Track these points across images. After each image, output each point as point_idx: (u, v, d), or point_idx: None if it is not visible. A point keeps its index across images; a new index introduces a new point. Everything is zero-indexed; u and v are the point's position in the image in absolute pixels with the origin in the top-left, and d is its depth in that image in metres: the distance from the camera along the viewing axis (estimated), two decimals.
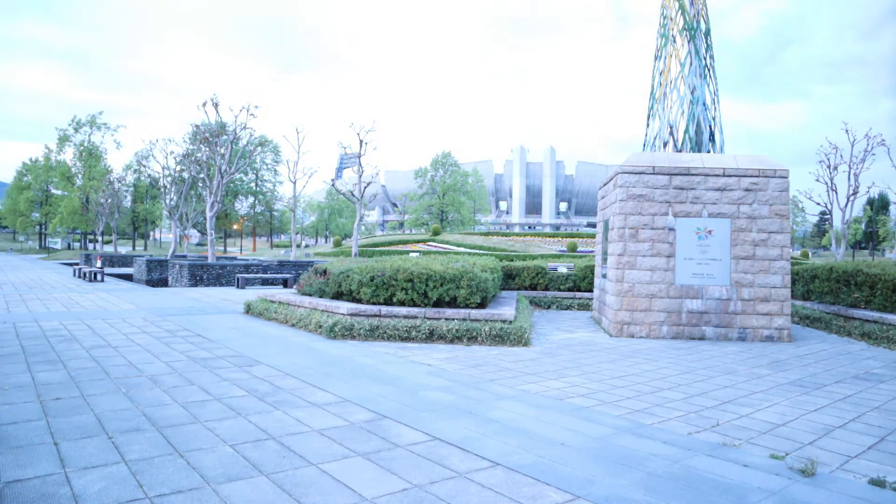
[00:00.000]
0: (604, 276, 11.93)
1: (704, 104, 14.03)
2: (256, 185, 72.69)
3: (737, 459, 4.14)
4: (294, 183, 36.17)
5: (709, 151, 13.91)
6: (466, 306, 9.77)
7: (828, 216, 34.68)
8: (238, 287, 19.87)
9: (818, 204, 32.91)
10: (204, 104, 28.30)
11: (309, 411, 5.11)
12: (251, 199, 73.59)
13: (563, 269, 15.50)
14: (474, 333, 9.02)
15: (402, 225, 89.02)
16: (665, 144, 14.07)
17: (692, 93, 13.97)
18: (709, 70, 14.28)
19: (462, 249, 42.88)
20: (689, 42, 14.13)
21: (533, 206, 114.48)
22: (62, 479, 3.48)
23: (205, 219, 36.25)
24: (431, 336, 9.10)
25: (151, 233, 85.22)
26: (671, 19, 14.43)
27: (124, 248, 69.31)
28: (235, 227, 73.71)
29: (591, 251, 41.18)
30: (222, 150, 28.18)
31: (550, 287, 15.37)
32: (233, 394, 5.64)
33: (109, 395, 5.46)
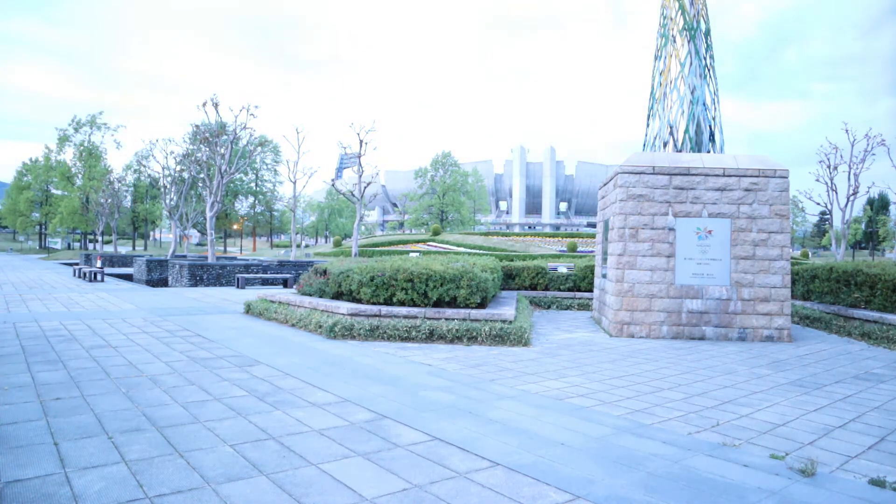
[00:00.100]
0: (604, 276, 11.93)
1: (704, 104, 14.03)
2: (256, 185, 72.69)
3: (737, 459, 4.14)
4: (294, 183, 36.18)
5: (709, 151, 13.91)
6: (466, 306, 9.77)
7: (828, 216, 34.68)
8: (238, 287, 19.87)
9: (818, 204, 32.91)
10: (204, 104, 28.32)
11: (309, 411, 5.11)
12: (251, 199, 73.60)
13: (563, 269, 15.50)
14: (474, 333, 9.02)
15: (402, 225, 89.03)
16: (665, 144, 14.07)
17: (692, 93, 13.97)
18: (709, 70, 14.28)
19: (462, 249, 42.88)
20: (689, 42, 14.13)
21: (533, 206, 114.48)
22: (62, 479, 3.48)
23: (205, 219, 36.27)
24: (431, 336, 9.10)
25: (151, 233, 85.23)
26: (671, 19, 14.43)
27: (124, 248, 69.31)
28: (235, 227, 73.72)
29: (591, 251, 41.18)
30: (222, 150, 28.18)
31: (550, 287, 15.37)
32: (233, 394, 5.64)
33: (109, 395, 5.46)
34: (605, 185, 12.54)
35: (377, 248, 45.97)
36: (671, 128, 14.08)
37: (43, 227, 75.00)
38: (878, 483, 3.73)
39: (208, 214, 27.77)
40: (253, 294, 15.25)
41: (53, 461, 3.74)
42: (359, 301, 10.30)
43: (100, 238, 50.46)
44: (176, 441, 4.20)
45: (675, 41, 14.30)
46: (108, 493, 3.31)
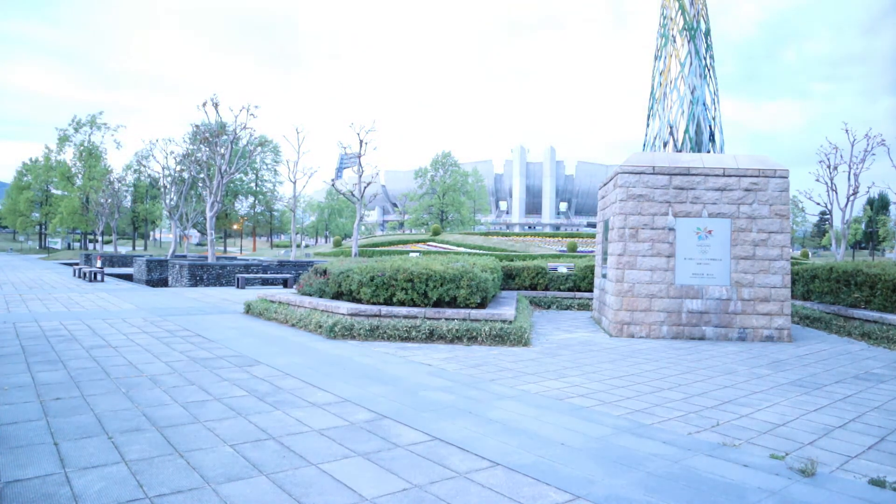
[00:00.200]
0: (604, 276, 11.94)
1: (704, 104, 14.03)
2: (256, 185, 72.69)
3: (737, 459, 4.14)
4: (294, 183, 36.18)
5: (709, 151, 13.91)
6: (466, 306, 9.77)
7: (828, 216, 34.68)
8: (238, 287, 19.87)
9: (818, 204, 32.92)
10: (204, 104, 28.32)
11: (309, 411, 5.11)
12: (251, 199, 73.60)
13: (563, 269, 15.50)
14: (474, 333, 9.02)
15: (402, 225, 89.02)
16: (665, 144, 14.07)
17: (692, 93, 13.97)
18: (709, 70, 14.28)
19: (462, 249, 42.88)
20: (689, 42, 14.13)
21: (533, 206, 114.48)
22: (62, 479, 3.48)
23: (205, 219, 36.27)
24: (431, 336, 9.10)
25: (151, 233, 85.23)
26: (671, 19, 14.43)
27: (124, 248, 69.32)
28: (235, 227, 73.72)
29: (591, 251, 41.18)
30: (222, 150, 28.18)
31: (550, 287, 15.37)
32: (233, 394, 5.64)
33: (109, 395, 5.46)
34: (605, 185, 12.54)
35: (377, 248, 45.97)
36: (671, 128, 14.08)
37: (43, 227, 75.00)
38: (878, 483, 3.73)
39: (208, 214, 27.77)
40: (253, 294, 15.25)
41: (53, 461, 3.74)
42: (359, 301, 10.30)
43: (100, 238, 50.46)
44: (176, 441, 4.20)
45: (675, 41, 14.30)
46: (108, 493, 3.31)
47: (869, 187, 31.58)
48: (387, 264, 10.19)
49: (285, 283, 21.16)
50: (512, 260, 26.99)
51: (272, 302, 12.26)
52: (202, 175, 31.56)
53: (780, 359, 8.44)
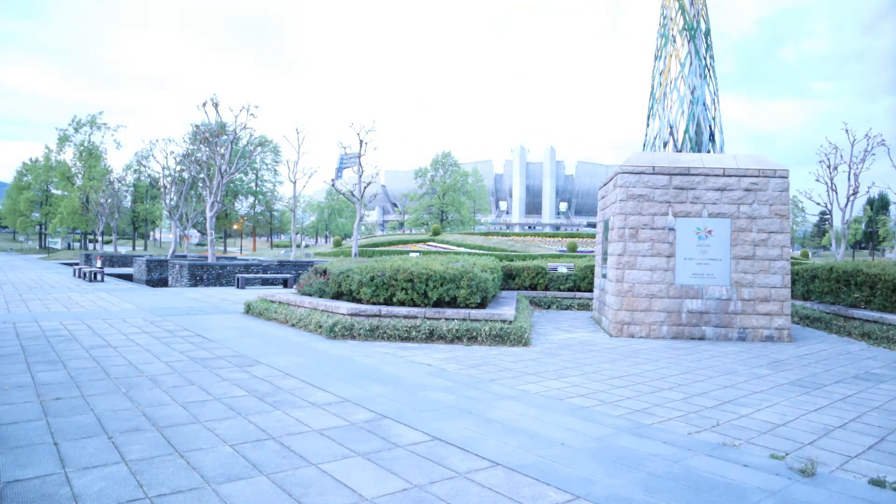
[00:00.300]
0: (604, 276, 11.94)
1: (704, 104, 14.04)
2: (256, 185, 72.70)
3: (737, 459, 4.14)
4: (294, 183, 36.19)
5: (709, 151, 13.92)
6: (466, 306, 9.77)
7: (828, 216, 34.68)
8: (238, 287, 19.87)
9: (818, 204, 32.93)
10: (204, 104, 28.33)
11: (309, 411, 5.11)
12: (251, 199, 73.60)
13: (563, 269, 15.50)
14: (474, 333, 9.02)
15: (402, 225, 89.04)
16: (665, 144, 14.08)
17: (692, 93, 13.97)
18: (709, 70, 14.28)
19: (462, 249, 42.88)
20: (689, 42, 14.14)
21: (533, 206, 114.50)
22: (62, 479, 3.48)
23: (205, 219, 36.25)
24: (431, 336, 9.10)
25: (151, 233, 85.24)
26: (671, 19, 14.43)
27: (124, 248, 69.31)
28: (235, 227, 73.73)
29: (591, 251, 41.18)
30: (222, 150, 28.18)
31: (550, 287, 15.37)
32: (233, 394, 5.64)
33: (109, 395, 5.46)
34: (605, 185, 12.54)
35: (377, 248, 45.98)
36: (671, 128, 14.09)
37: (43, 227, 75.01)
38: (878, 483, 3.73)
39: (208, 214, 27.78)
40: (253, 294, 15.25)
41: (53, 461, 3.74)
42: (359, 301, 10.31)
43: (100, 238, 50.46)
44: (176, 441, 4.20)
45: (675, 41, 14.31)
46: (108, 493, 3.31)
47: (869, 187, 31.61)
48: (387, 264, 10.19)
49: (285, 283, 21.16)
50: (512, 260, 26.99)
51: (272, 302, 12.26)
52: (202, 175, 31.57)
53: (780, 359, 8.44)
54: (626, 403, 5.69)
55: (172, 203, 35.72)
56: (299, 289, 12.46)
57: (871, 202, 70.69)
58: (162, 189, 37.44)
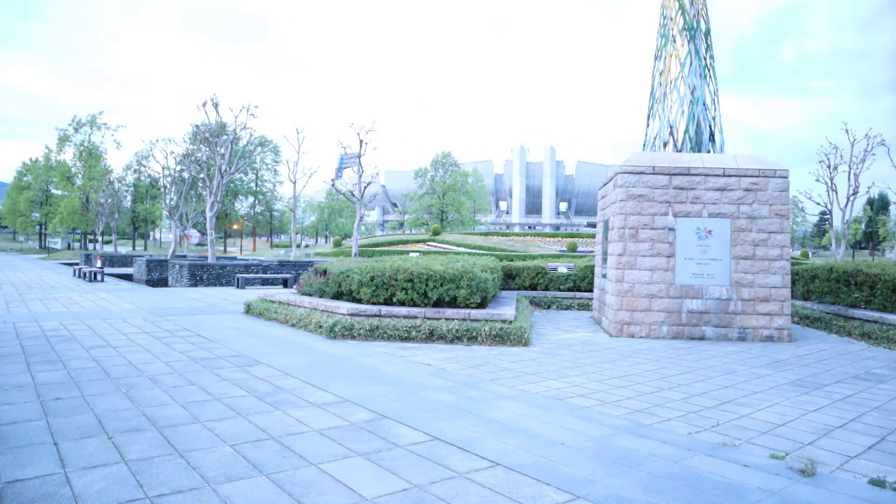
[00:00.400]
0: (604, 276, 11.94)
1: (704, 104, 14.04)
2: (256, 185, 72.69)
3: (737, 459, 4.14)
4: (294, 183, 36.18)
5: (709, 151, 13.92)
6: (466, 306, 9.77)
7: (828, 216, 34.69)
8: (238, 287, 19.87)
9: (818, 204, 32.94)
10: (204, 104, 28.32)
11: (309, 411, 5.11)
12: (251, 199, 73.58)
13: (563, 269, 15.50)
14: (474, 333, 9.02)
15: (402, 225, 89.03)
16: (665, 144, 14.08)
17: (692, 93, 13.97)
18: (709, 70, 14.28)
19: (462, 249, 42.88)
20: (689, 42, 14.14)
21: (533, 206, 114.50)
22: (62, 479, 3.48)
23: (205, 219, 36.25)
24: (431, 336, 9.10)
25: (151, 233, 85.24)
26: (671, 19, 14.43)
27: (124, 248, 69.31)
28: (235, 227, 73.72)
29: (591, 251, 41.18)
30: (222, 150, 28.18)
31: (550, 287, 15.37)
32: (233, 394, 5.64)
33: (109, 395, 5.46)
34: (605, 185, 12.55)
35: (377, 248, 45.98)
36: (671, 128, 14.08)
37: (43, 227, 75.00)
38: (878, 483, 3.73)
39: (208, 214, 27.78)
40: (253, 294, 15.25)
41: (53, 461, 3.74)
42: (359, 301, 10.31)
43: (100, 238, 50.46)
44: (176, 441, 4.20)
45: (675, 41, 14.31)
46: (108, 493, 3.31)
47: (869, 187, 31.64)
48: (387, 264, 10.19)
49: (285, 283, 21.16)
50: (512, 260, 26.99)
51: (272, 302, 12.26)
52: (202, 175, 31.56)
53: (780, 359, 8.44)
54: (626, 403, 5.69)
55: (172, 203, 35.72)
56: (299, 289, 12.46)
57: (871, 202, 70.67)
58: (162, 189, 37.44)
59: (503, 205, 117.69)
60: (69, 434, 4.28)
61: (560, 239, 52.40)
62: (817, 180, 31.09)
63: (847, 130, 29.61)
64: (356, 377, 6.53)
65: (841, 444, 4.55)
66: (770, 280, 10.28)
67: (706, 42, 14.30)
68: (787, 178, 10.45)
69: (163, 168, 36.64)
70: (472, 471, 3.82)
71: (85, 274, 23.41)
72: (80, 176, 64.00)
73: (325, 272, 11.91)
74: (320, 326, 9.65)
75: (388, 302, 9.89)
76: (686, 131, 13.98)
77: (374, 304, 9.96)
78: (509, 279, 15.47)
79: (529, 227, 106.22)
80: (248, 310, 12.43)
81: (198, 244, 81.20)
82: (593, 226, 68.19)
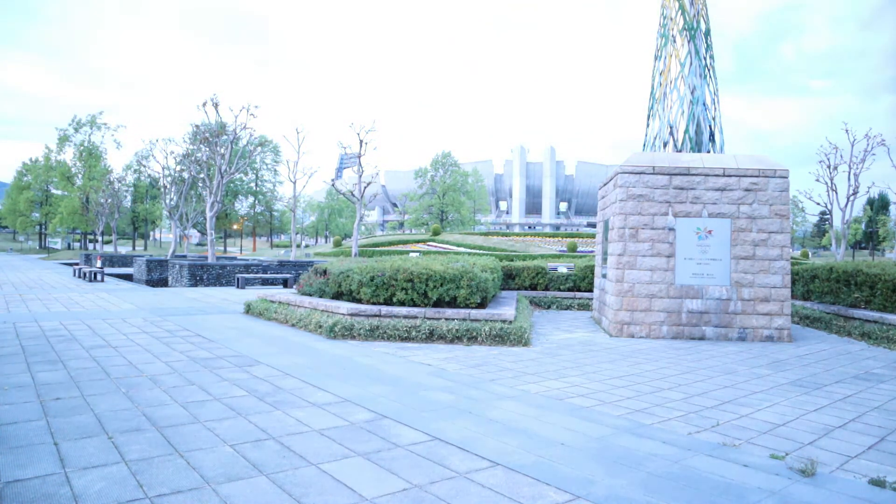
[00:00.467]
0: (604, 276, 11.94)
1: (704, 104, 14.03)
2: (256, 185, 72.69)
3: (737, 459, 4.14)
4: (294, 183, 36.18)
5: (709, 151, 13.92)
6: (466, 306, 9.77)
7: (828, 216, 34.70)
8: (238, 287, 19.87)
9: (818, 204, 32.95)
10: (204, 104, 28.33)
11: (309, 411, 5.11)
12: (251, 199, 73.59)
13: (563, 269, 15.50)
14: (474, 333, 9.02)
15: (402, 225, 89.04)
16: (665, 144, 14.07)
17: (692, 93, 13.97)
18: (709, 70, 14.28)
19: (462, 249, 42.88)
20: (689, 42, 14.14)
21: (533, 206, 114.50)
22: (62, 479, 3.48)
23: (205, 219, 36.24)
24: (431, 336, 9.10)
25: (151, 233, 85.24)
26: (671, 19, 14.43)
27: (124, 248, 69.32)
28: (235, 227, 73.72)
29: (591, 251, 41.18)
30: (222, 150, 28.18)
31: (550, 287, 15.37)
32: (233, 394, 5.64)
33: (109, 395, 5.46)
34: (605, 185, 12.55)
35: (377, 248, 45.97)
36: (671, 128, 14.08)
37: (43, 227, 75.01)
38: (878, 483, 3.73)
39: (208, 214, 27.78)
40: (253, 294, 15.25)
41: (53, 461, 3.74)
42: (359, 301, 10.31)
43: (100, 238, 50.46)
44: (176, 441, 4.20)
45: (675, 41, 14.31)
46: (108, 493, 3.31)
47: (869, 187, 31.66)
48: (387, 264, 10.19)
49: (285, 283, 21.16)
50: (512, 260, 26.99)
51: (272, 302, 12.26)
52: (202, 175, 31.56)
53: (780, 359, 8.44)
54: (626, 403, 5.69)
55: (172, 203, 35.72)
56: (299, 289, 12.47)
57: (871, 202, 70.67)
58: (162, 189, 37.44)
59: (503, 205, 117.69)
60: (69, 434, 4.28)
61: (560, 239, 52.40)
62: (817, 180, 31.11)
63: (847, 130, 29.65)
64: (356, 377, 6.53)
65: (841, 444, 4.55)
66: (770, 280, 10.28)
67: (706, 42, 14.29)
68: (787, 178, 10.45)
69: (163, 168, 36.66)
70: (472, 471, 3.82)
71: (85, 274, 23.41)
72: (80, 176, 64.01)
73: (325, 272, 11.91)
74: (320, 326, 9.65)
75: (388, 302, 9.89)
76: (686, 131, 13.98)
77: (374, 304, 9.96)
78: (509, 279, 15.47)
79: (529, 227, 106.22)
80: (248, 310, 12.43)
81: (198, 244, 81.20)
82: (593, 226, 68.17)
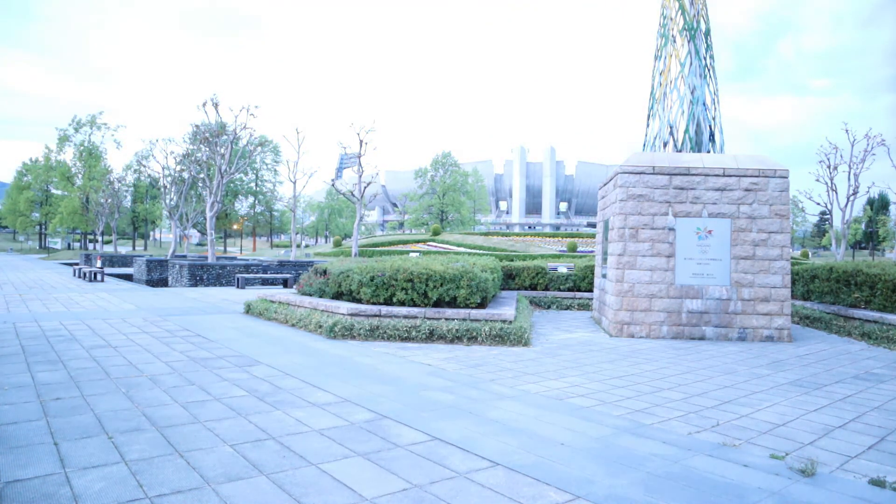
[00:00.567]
0: (604, 276, 11.94)
1: (704, 104, 14.03)
2: (256, 185, 72.68)
3: (737, 459, 4.14)
4: (294, 183, 36.16)
5: (709, 151, 13.92)
6: (466, 306, 9.77)
7: (828, 216, 34.69)
8: (238, 287, 19.87)
9: (818, 204, 32.94)
10: (204, 104, 28.34)
11: (309, 411, 5.11)
12: (251, 199, 73.58)
13: (563, 269, 15.50)
14: (474, 333, 9.02)
15: (402, 225, 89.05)
16: (665, 144, 14.07)
17: (692, 93, 13.97)
18: (709, 70, 14.28)
19: (462, 249, 42.88)
20: (689, 42, 14.14)
21: (533, 206, 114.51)
22: (62, 479, 3.48)
23: (205, 219, 36.24)
24: (431, 336, 9.10)
25: (151, 233, 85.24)
26: (671, 19, 14.43)
27: (124, 248, 69.31)
28: (235, 227, 73.71)
29: (591, 251, 41.18)
30: (222, 150, 28.18)
31: (550, 287, 15.37)
32: (233, 394, 5.64)
33: (109, 395, 5.46)
34: (605, 185, 12.55)
35: (377, 248, 45.98)
36: (671, 128, 14.08)
37: (43, 227, 75.01)
38: (878, 483, 3.73)
39: (208, 214, 27.78)
40: (253, 294, 15.25)
41: (53, 461, 3.74)
42: (359, 301, 10.31)
43: (100, 238, 50.46)
44: (176, 441, 4.20)
45: (675, 41, 14.31)
46: (108, 493, 3.31)
47: (869, 187, 31.65)
48: (387, 264, 10.19)
49: (285, 283, 21.16)
50: (512, 260, 26.99)
51: (272, 302, 12.26)
52: (202, 175, 31.56)
53: (780, 359, 8.44)
54: (626, 403, 5.69)
55: (172, 203, 35.72)
56: (299, 289, 12.47)
57: (871, 202, 70.68)
58: (162, 189, 37.45)
59: (503, 205, 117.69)
60: (69, 434, 4.28)
61: (560, 239, 52.41)
62: (817, 180, 31.10)
63: (847, 130, 29.64)
64: (356, 377, 6.53)
65: (841, 444, 4.55)
66: (770, 280, 10.28)
67: (706, 42, 14.30)
68: (786, 178, 10.45)
69: (163, 168, 36.68)
70: (472, 471, 3.82)
71: (85, 274, 23.41)
72: (80, 176, 64.00)
73: (325, 272, 11.91)
74: (320, 326, 9.65)
75: (388, 302, 9.89)
76: (686, 131, 13.98)
77: (374, 304, 9.96)
78: (509, 279, 15.47)
79: (529, 227, 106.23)
80: (248, 310, 12.43)
81: (198, 244, 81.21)
82: (593, 226, 68.16)
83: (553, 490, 3.55)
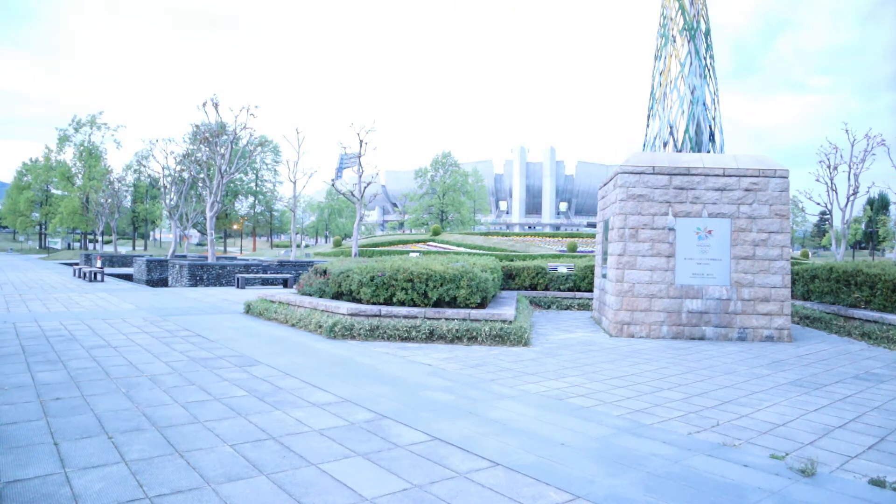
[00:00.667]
0: (604, 276, 11.94)
1: (704, 104, 14.03)
2: (256, 185, 72.68)
3: (737, 459, 4.14)
4: (294, 183, 36.17)
5: (709, 151, 13.91)
6: (466, 306, 9.77)
7: (828, 216, 34.68)
8: (238, 287, 19.87)
9: (818, 204, 32.93)
10: (204, 104, 28.33)
11: (309, 411, 5.11)
12: (251, 199, 73.58)
13: (563, 269, 15.50)
14: (474, 333, 9.02)
15: (402, 225, 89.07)
16: (665, 144, 14.07)
17: (692, 93, 13.97)
18: (709, 70, 14.27)
19: (462, 249, 42.88)
20: (689, 42, 14.13)
21: (533, 206, 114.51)
22: (62, 479, 3.48)
23: (205, 219, 36.25)
24: (431, 336, 9.10)
25: (151, 233, 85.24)
26: (671, 19, 14.43)
27: (124, 249, 69.31)
28: (235, 227, 73.70)
29: (591, 251, 41.18)
30: (222, 150, 28.18)
31: (550, 287, 15.37)
32: (233, 394, 5.64)
33: (109, 394, 5.46)
34: (605, 185, 12.55)
35: (377, 248, 45.98)
36: (671, 128, 14.08)
37: (43, 227, 75.00)
38: (878, 483, 3.73)
39: (208, 214, 27.78)
40: (253, 294, 15.25)
41: (53, 461, 3.74)
42: (359, 301, 10.31)
43: (100, 238, 50.46)
44: (176, 441, 4.20)
45: (675, 41, 14.30)
46: (108, 493, 3.31)
47: (869, 187, 31.62)
48: (387, 264, 10.20)
49: (285, 283, 21.16)
50: (512, 260, 26.99)
51: (272, 302, 12.26)
52: (202, 175, 31.57)
53: (780, 359, 8.44)
54: (626, 403, 5.69)
55: (172, 203, 35.73)
56: (299, 289, 12.47)
57: (871, 202, 70.69)
58: (162, 189, 37.46)
59: (503, 205, 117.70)
60: (69, 434, 4.28)
61: (560, 239, 52.41)
62: (817, 180, 31.08)
63: (847, 130, 29.64)
64: (356, 377, 6.53)
65: (841, 444, 4.55)
66: (770, 280, 10.29)
67: (706, 42, 14.29)
68: (787, 178, 10.45)
69: (163, 168, 36.69)
70: (472, 471, 3.82)
71: (85, 274, 23.41)
72: (80, 176, 63.97)
73: (325, 272, 11.92)
74: (320, 326, 9.65)
75: (388, 302, 9.89)
76: (686, 131, 13.98)
77: (374, 304, 9.96)
78: (509, 279, 15.47)
79: (529, 227, 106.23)
80: (248, 310, 12.43)
81: (198, 244, 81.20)
82: (593, 226, 68.20)
83: (553, 490, 3.55)
